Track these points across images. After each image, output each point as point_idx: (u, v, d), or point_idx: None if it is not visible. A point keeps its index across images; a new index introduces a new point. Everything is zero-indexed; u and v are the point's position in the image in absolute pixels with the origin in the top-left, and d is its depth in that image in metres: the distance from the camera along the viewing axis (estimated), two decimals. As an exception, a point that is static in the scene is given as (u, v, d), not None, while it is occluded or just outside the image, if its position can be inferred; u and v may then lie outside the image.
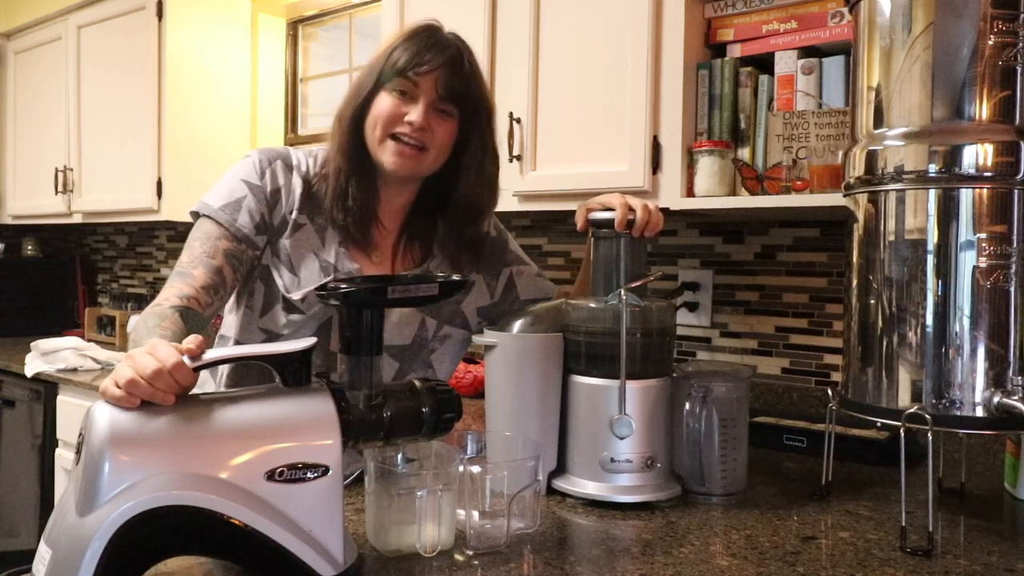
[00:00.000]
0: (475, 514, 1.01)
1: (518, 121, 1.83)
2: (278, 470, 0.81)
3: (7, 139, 3.51)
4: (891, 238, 1.07)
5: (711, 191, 1.59)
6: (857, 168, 1.12)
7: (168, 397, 0.81)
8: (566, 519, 1.13)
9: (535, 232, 2.30)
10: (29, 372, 2.63)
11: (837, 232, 1.75)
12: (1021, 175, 1.02)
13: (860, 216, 1.12)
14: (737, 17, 1.65)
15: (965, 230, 1.02)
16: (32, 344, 2.73)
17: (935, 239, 1.03)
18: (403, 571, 0.92)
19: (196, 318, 1.10)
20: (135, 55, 2.83)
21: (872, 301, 1.10)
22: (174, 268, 1.17)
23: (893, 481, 1.31)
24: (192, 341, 0.84)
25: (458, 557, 0.96)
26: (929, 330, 1.04)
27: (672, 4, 1.63)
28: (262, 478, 0.80)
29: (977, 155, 1.02)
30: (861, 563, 0.98)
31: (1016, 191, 1.02)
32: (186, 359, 0.82)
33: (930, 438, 1.00)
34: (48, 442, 2.62)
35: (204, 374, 0.91)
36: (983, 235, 1.02)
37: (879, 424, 1.32)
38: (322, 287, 0.94)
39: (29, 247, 3.73)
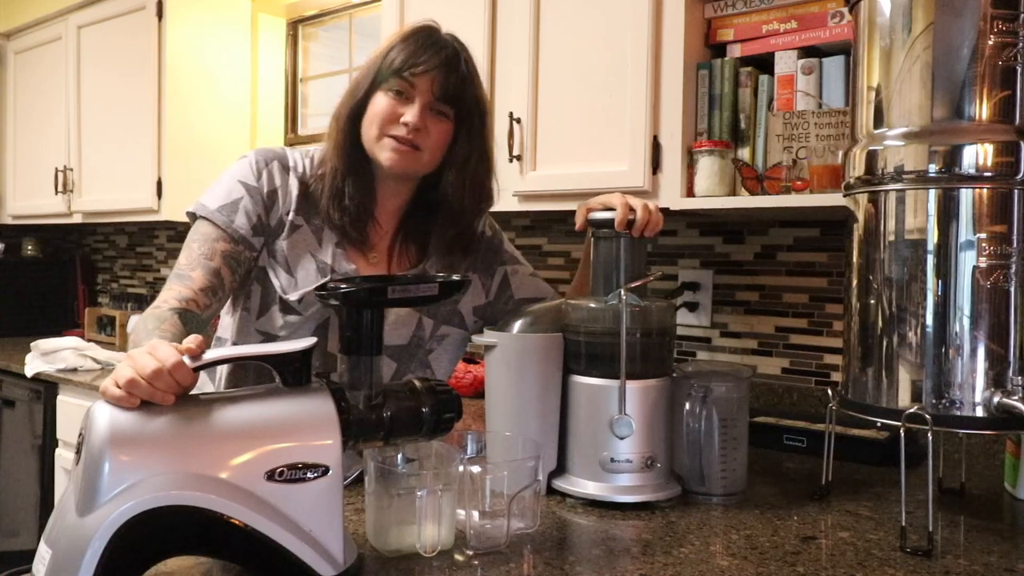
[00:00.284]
0: (475, 514, 1.01)
1: (518, 121, 1.83)
2: (278, 470, 0.81)
3: (7, 139, 3.51)
4: (891, 238, 1.07)
5: (711, 191, 1.59)
6: (857, 168, 1.12)
7: (168, 397, 0.81)
8: (566, 519, 1.13)
9: (535, 232, 2.30)
10: (29, 372, 2.63)
11: (837, 232, 1.75)
12: (1021, 175, 1.02)
13: (860, 216, 1.12)
14: (737, 17, 1.65)
15: (965, 230, 1.02)
16: (32, 344, 2.73)
17: (935, 239, 1.04)
18: (403, 571, 0.92)
19: (195, 320, 1.10)
20: (135, 55, 2.83)
21: (872, 301, 1.10)
22: (172, 270, 1.17)
23: (893, 481, 1.31)
24: (192, 341, 0.84)
25: (458, 557, 0.96)
26: (929, 330, 1.04)
27: (672, 4, 1.63)
28: (262, 478, 0.80)
29: (977, 155, 1.02)
30: (861, 563, 0.98)
31: (1016, 191, 1.02)
32: (186, 359, 0.82)
33: (930, 438, 1.00)
34: (48, 442, 2.62)
35: (203, 377, 0.91)
36: (983, 235, 1.02)
37: (879, 424, 1.32)
38: (322, 287, 0.94)
39: (29, 247, 3.73)
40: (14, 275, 3.51)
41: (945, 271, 1.03)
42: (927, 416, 1.01)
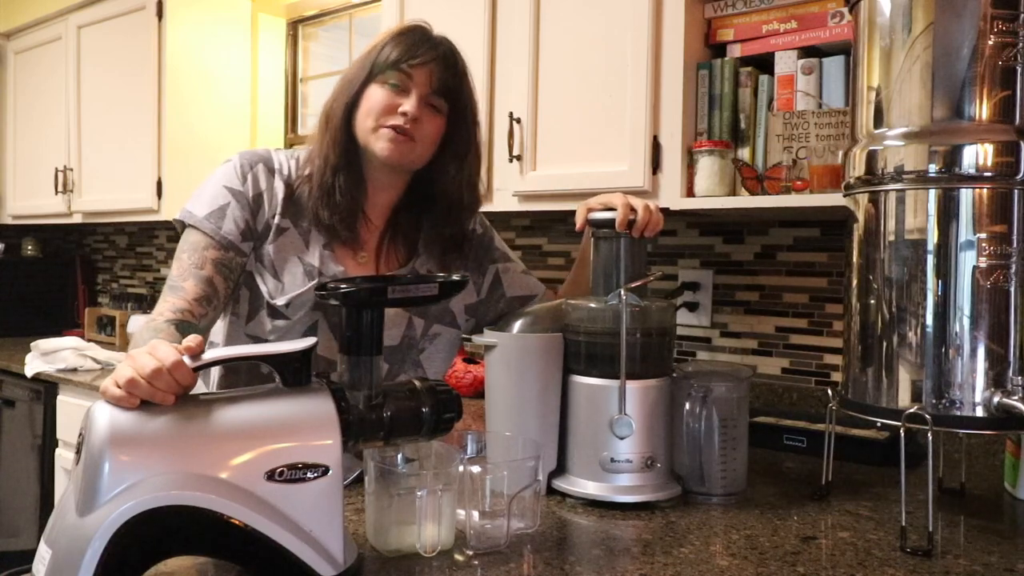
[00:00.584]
0: (475, 514, 1.01)
1: (518, 121, 1.83)
2: (278, 470, 0.81)
3: (7, 139, 3.51)
4: (891, 238, 1.07)
5: (711, 191, 1.59)
6: (857, 168, 1.12)
7: (168, 397, 0.81)
8: (566, 519, 1.13)
9: (535, 232, 2.30)
10: (29, 372, 2.63)
11: (837, 232, 1.75)
12: (1021, 175, 1.02)
13: (860, 216, 1.12)
14: (737, 17, 1.65)
15: (965, 230, 1.02)
16: (32, 344, 2.73)
17: (935, 239, 1.04)
18: (403, 571, 0.92)
19: (192, 330, 1.10)
20: (135, 55, 2.83)
21: (872, 301, 1.10)
22: (166, 282, 1.17)
23: (893, 481, 1.31)
24: (191, 340, 0.84)
25: (458, 557, 0.97)
26: (929, 330, 1.04)
27: (672, 4, 1.63)
28: (262, 478, 0.80)
29: (977, 155, 1.02)
30: (861, 563, 0.98)
31: (1016, 191, 1.02)
32: (186, 358, 0.82)
33: (930, 438, 1.01)
34: (48, 442, 2.62)
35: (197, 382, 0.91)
36: (983, 235, 1.02)
37: (879, 424, 1.32)
38: (322, 287, 0.94)
39: (29, 247, 3.73)
40: (14, 275, 3.51)
41: (945, 271, 1.03)
42: (927, 416, 1.01)
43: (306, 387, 0.88)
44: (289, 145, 3.06)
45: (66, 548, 0.74)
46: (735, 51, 1.65)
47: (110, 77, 2.96)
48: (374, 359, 0.93)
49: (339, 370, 0.93)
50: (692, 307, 1.94)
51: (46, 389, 2.62)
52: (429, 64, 1.20)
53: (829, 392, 1.21)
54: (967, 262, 1.02)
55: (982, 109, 1.03)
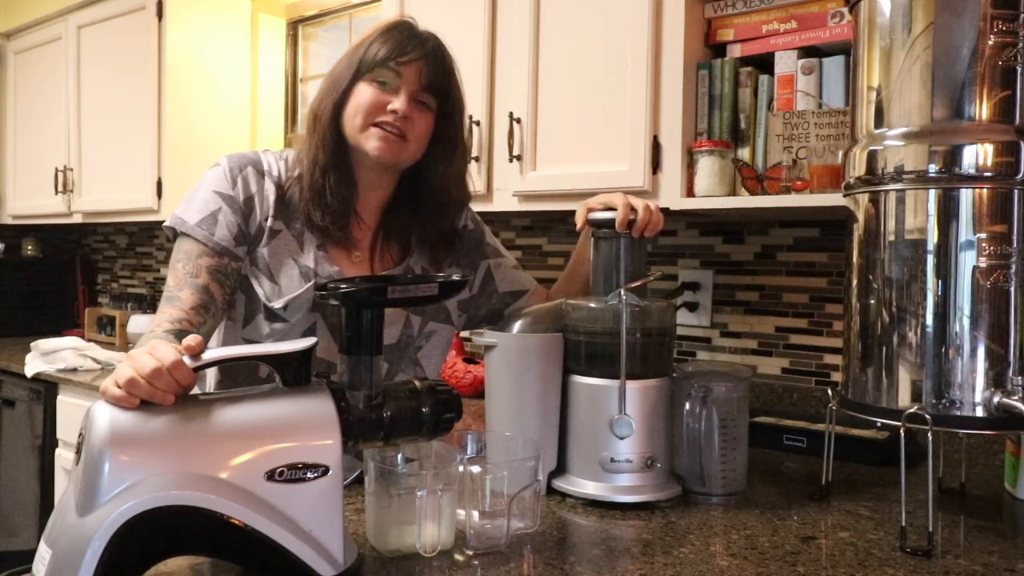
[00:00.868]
0: (475, 514, 1.01)
1: (518, 121, 1.83)
2: (278, 470, 0.81)
3: (7, 139, 3.51)
4: (891, 238, 1.07)
5: (711, 191, 1.59)
6: (857, 168, 1.12)
7: (168, 397, 0.81)
8: (566, 519, 1.13)
9: (535, 232, 2.30)
10: (29, 372, 2.63)
11: (837, 232, 1.75)
12: (1021, 175, 1.02)
13: (860, 216, 1.12)
14: (737, 17, 1.65)
15: (965, 230, 1.02)
16: (32, 344, 2.73)
17: (935, 239, 1.03)
18: (403, 571, 0.92)
19: None
20: (135, 55, 2.83)
21: (872, 301, 1.10)
22: (163, 293, 1.16)
23: (893, 481, 1.31)
24: (192, 339, 0.84)
25: (458, 557, 0.96)
26: (929, 330, 1.04)
27: (672, 4, 1.63)
28: (262, 478, 0.80)
29: (977, 155, 1.02)
30: (861, 563, 0.98)
31: (1016, 191, 1.02)
32: (186, 358, 0.82)
33: (930, 438, 1.00)
34: (48, 442, 2.62)
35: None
36: (983, 235, 1.02)
37: (879, 424, 1.32)
38: (322, 287, 0.94)
39: (29, 247, 3.73)
40: (14, 275, 3.51)
41: (945, 271, 1.03)
42: (927, 416, 1.01)
43: (306, 387, 0.88)
44: (289, 145, 3.06)
45: (66, 548, 0.74)
46: (735, 51, 1.65)
47: (110, 77, 2.96)
48: (374, 359, 0.93)
49: (339, 370, 0.93)
50: (692, 307, 1.94)
51: (46, 389, 2.62)
52: (418, 61, 1.19)
53: (829, 392, 1.21)
54: (967, 262, 1.02)
55: (982, 109, 1.03)
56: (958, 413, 1.03)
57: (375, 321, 0.93)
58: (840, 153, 1.42)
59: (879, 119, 1.10)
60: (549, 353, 1.22)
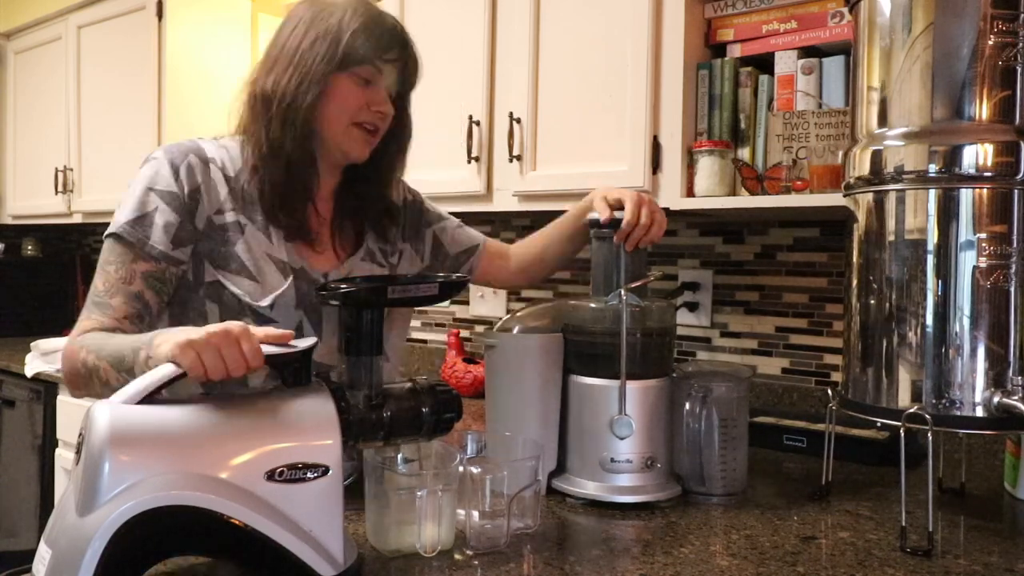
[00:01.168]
0: (475, 514, 1.01)
1: (518, 121, 1.83)
2: (278, 470, 0.81)
3: (7, 139, 3.51)
4: (891, 238, 1.07)
5: (711, 191, 1.59)
6: (857, 168, 1.12)
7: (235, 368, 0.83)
8: (566, 519, 1.13)
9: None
10: (29, 372, 2.63)
11: (837, 232, 1.75)
12: (1021, 175, 1.02)
13: (860, 216, 1.12)
14: (737, 17, 1.65)
15: (965, 230, 1.02)
16: (32, 344, 2.72)
17: (935, 239, 1.03)
18: (403, 571, 0.92)
19: None
20: (135, 55, 2.82)
21: (872, 301, 1.10)
22: (89, 294, 1.08)
23: (893, 481, 1.31)
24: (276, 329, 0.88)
25: (458, 557, 0.96)
26: (929, 330, 1.04)
27: (672, 4, 1.63)
28: (262, 478, 0.80)
29: (977, 155, 1.02)
30: (861, 563, 0.98)
31: (1016, 191, 1.02)
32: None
33: (930, 438, 1.00)
34: (48, 442, 2.62)
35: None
36: (983, 235, 1.02)
37: (879, 424, 1.32)
38: (323, 287, 0.94)
39: (29, 247, 3.73)
40: (14, 275, 3.51)
41: (945, 271, 1.03)
42: (927, 416, 1.01)
43: (306, 387, 0.88)
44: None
45: (66, 548, 0.74)
46: (735, 51, 1.65)
47: (110, 77, 2.96)
48: (374, 359, 0.93)
49: (339, 370, 0.93)
50: (692, 307, 1.94)
51: (46, 389, 2.62)
52: (399, 61, 1.16)
53: (829, 392, 1.21)
54: (967, 262, 1.02)
55: (982, 109, 1.03)
56: (958, 413, 1.03)
57: (375, 321, 0.93)
58: (840, 153, 1.42)
59: (879, 119, 1.10)
60: (549, 353, 1.22)
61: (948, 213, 1.03)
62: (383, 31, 1.14)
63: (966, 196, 1.02)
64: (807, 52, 1.57)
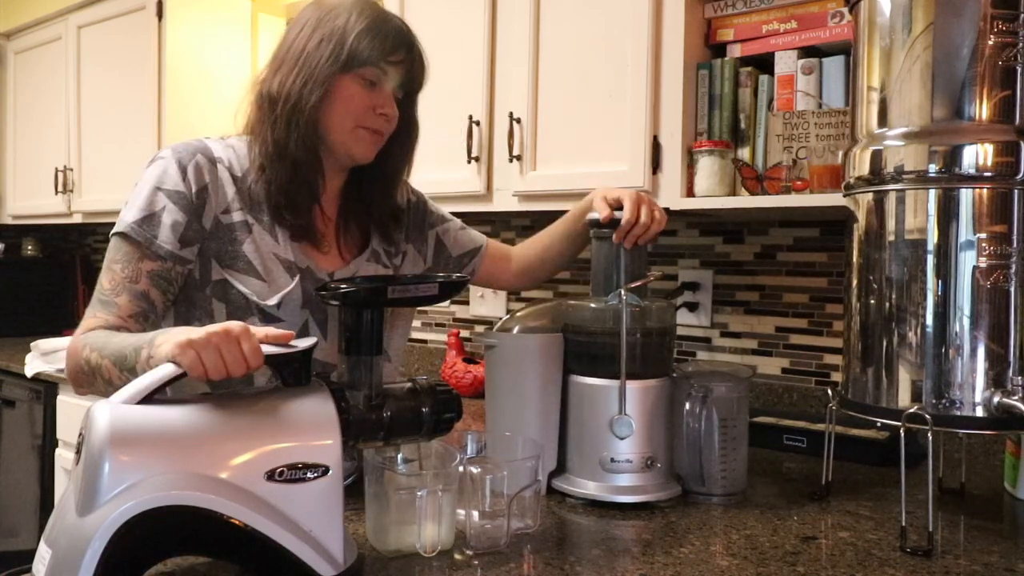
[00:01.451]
0: (475, 514, 1.01)
1: (518, 121, 1.83)
2: (278, 470, 0.81)
3: (7, 139, 3.51)
4: (891, 238, 1.07)
5: (711, 191, 1.59)
6: (857, 168, 1.12)
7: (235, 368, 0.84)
8: (566, 519, 1.13)
9: (535, 232, 2.29)
10: (29, 372, 2.63)
11: (837, 232, 1.75)
12: (1021, 175, 1.02)
13: (860, 216, 1.12)
14: (737, 17, 1.65)
15: (965, 230, 1.02)
16: (32, 344, 2.72)
17: (935, 239, 1.04)
18: (403, 571, 0.92)
19: None
20: (135, 55, 2.82)
21: (872, 301, 1.10)
22: (95, 292, 1.08)
23: (893, 481, 1.31)
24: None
25: (458, 557, 0.97)
26: (929, 330, 1.04)
27: (672, 4, 1.63)
28: (262, 478, 0.80)
29: (977, 155, 1.02)
30: (861, 563, 0.98)
31: (1016, 191, 1.02)
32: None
33: (930, 438, 1.01)
34: (48, 442, 2.62)
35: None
36: (983, 235, 1.02)
37: (879, 424, 1.32)
38: (323, 287, 0.94)
39: (29, 247, 3.73)
40: (14, 275, 3.51)
41: (945, 271, 1.03)
42: (927, 416, 1.01)
43: (306, 387, 0.88)
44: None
45: (66, 548, 0.74)
46: (735, 51, 1.65)
47: (110, 77, 2.96)
48: (374, 359, 0.93)
49: (339, 370, 0.93)
50: (692, 307, 1.94)
51: (46, 389, 2.62)
52: (405, 63, 1.15)
53: (829, 392, 1.21)
54: (967, 262, 1.02)
55: (982, 109, 1.03)
56: (958, 413, 1.03)
57: (375, 321, 0.93)
58: (840, 153, 1.42)
59: (879, 119, 1.10)
60: (549, 353, 1.22)
61: (948, 213, 1.03)
62: (388, 32, 1.13)
63: (966, 196, 1.02)
64: (807, 52, 1.57)
